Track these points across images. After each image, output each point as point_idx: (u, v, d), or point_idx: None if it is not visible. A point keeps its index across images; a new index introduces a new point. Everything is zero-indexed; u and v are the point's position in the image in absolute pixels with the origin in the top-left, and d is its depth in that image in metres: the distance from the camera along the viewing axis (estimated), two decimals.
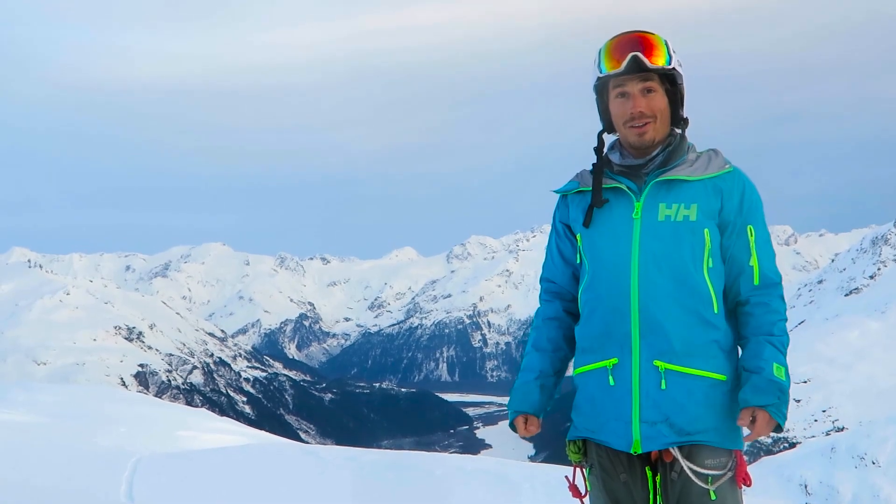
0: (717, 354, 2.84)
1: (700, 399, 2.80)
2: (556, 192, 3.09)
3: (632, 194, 2.88)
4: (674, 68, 2.87)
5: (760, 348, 2.82)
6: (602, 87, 2.96)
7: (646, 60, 2.82)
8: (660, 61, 2.85)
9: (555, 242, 3.10)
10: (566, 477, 3.04)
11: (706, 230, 2.83)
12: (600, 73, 2.90)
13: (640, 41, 2.85)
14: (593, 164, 2.98)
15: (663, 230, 2.83)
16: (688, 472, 2.76)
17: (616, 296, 2.84)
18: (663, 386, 2.78)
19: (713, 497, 2.76)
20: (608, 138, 3.03)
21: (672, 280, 2.80)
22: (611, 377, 2.84)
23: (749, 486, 2.85)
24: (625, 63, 2.82)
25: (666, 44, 2.87)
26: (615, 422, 2.83)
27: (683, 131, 2.97)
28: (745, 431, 2.83)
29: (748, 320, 2.88)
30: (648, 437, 2.79)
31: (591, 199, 2.94)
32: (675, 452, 2.79)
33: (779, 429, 2.78)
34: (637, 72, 2.84)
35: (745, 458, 2.92)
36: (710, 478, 2.77)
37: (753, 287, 2.88)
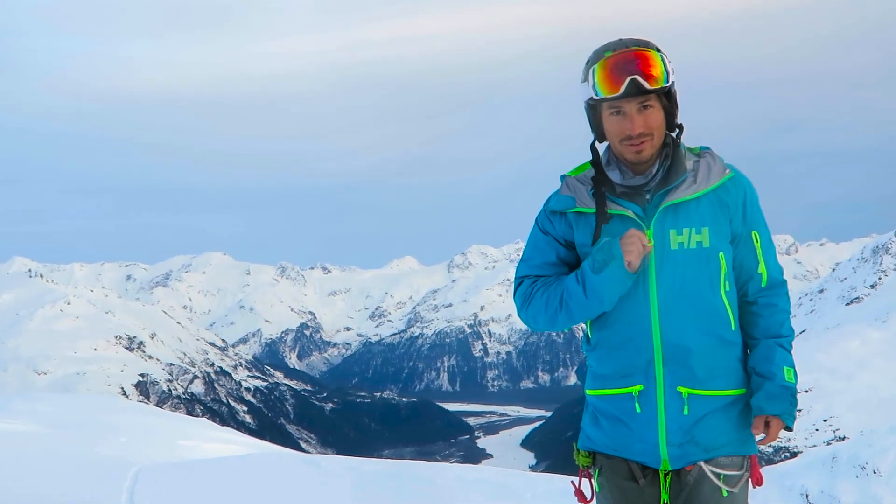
0: (737, 369, 2.87)
1: (721, 416, 2.84)
2: (552, 209, 2.93)
3: (639, 221, 2.79)
4: (672, 83, 2.76)
5: (771, 352, 2.84)
6: (595, 104, 2.83)
7: (645, 83, 2.68)
8: (658, 81, 2.70)
9: (557, 250, 2.92)
10: (572, 482, 3.05)
11: (721, 254, 2.80)
12: (595, 95, 2.74)
13: (637, 61, 2.69)
14: (592, 179, 2.87)
15: (678, 259, 2.78)
16: (707, 472, 2.81)
17: (637, 328, 2.80)
18: (686, 412, 2.79)
19: (725, 494, 2.81)
20: (600, 147, 2.93)
21: (692, 308, 2.78)
22: (637, 404, 2.82)
23: (761, 485, 2.91)
24: (623, 87, 2.68)
25: (662, 59, 2.72)
26: (641, 444, 2.83)
27: (679, 138, 2.87)
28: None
29: (757, 321, 2.90)
30: (676, 458, 2.82)
31: (595, 223, 2.82)
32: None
33: (788, 429, 2.84)
34: (636, 95, 2.71)
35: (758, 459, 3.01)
36: (722, 476, 2.82)
37: (761, 288, 2.90)
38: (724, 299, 2.81)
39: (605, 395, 2.90)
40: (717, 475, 2.81)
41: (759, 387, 2.83)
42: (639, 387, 2.81)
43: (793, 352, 2.93)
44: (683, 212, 2.79)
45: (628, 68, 2.69)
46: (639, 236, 2.71)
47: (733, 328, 2.84)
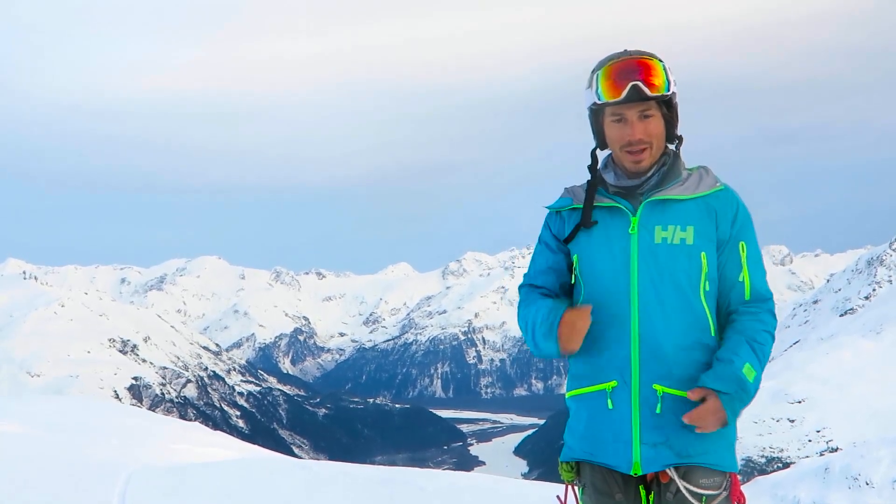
0: None
1: None
2: (549, 208, 3.04)
3: (628, 213, 2.86)
4: (672, 93, 2.84)
5: (738, 346, 2.78)
6: (598, 110, 2.91)
7: (646, 90, 2.77)
8: (659, 89, 2.79)
9: (547, 258, 3.01)
10: (557, 497, 3.04)
11: (703, 253, 2.82)
12: (598, 100, 2.84)
13: (639, 68, 2.79)
14: (588, 182, 2.95)
15: (660, 253, 2.81)
16: (684, 492, 2.76)
17: (615, 320, 2.82)
18: (658, 410, 2.77)
19: None
20: (601, 154, 3.00)
21: (671, 304, 2.80)
22: (609, 400, 2.81)
23: None
24: (625, 92, 2.77)
25: (664, 68, 2.81)
26: (614, 443, 2.81)
27: (678, 149, 2.95)
28: (743, 454, 2.83)
29: (734, 325, 2.86)
30: (649, 459, 2.78)
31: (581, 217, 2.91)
32: (672, 473, 2.78)
33: (725, 422, 2.73)
34: (637, 101, 2.79)
35: (739, 477, 2.94)
36: (704, 497, 2.77)
37: (744, 301, 2.88)
38: (703, 300, 2.82)
39: (581, 394, 2.90)
40: (699, 497, 2.77)
41: (712, 367, 2.77)
42: (613, 383, 2.81)
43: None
44: (671, 209, 2.85)
45: (631, 75, 2.79)
46: (577, 319, 2.76)
47: (712, 333, 2.84)
